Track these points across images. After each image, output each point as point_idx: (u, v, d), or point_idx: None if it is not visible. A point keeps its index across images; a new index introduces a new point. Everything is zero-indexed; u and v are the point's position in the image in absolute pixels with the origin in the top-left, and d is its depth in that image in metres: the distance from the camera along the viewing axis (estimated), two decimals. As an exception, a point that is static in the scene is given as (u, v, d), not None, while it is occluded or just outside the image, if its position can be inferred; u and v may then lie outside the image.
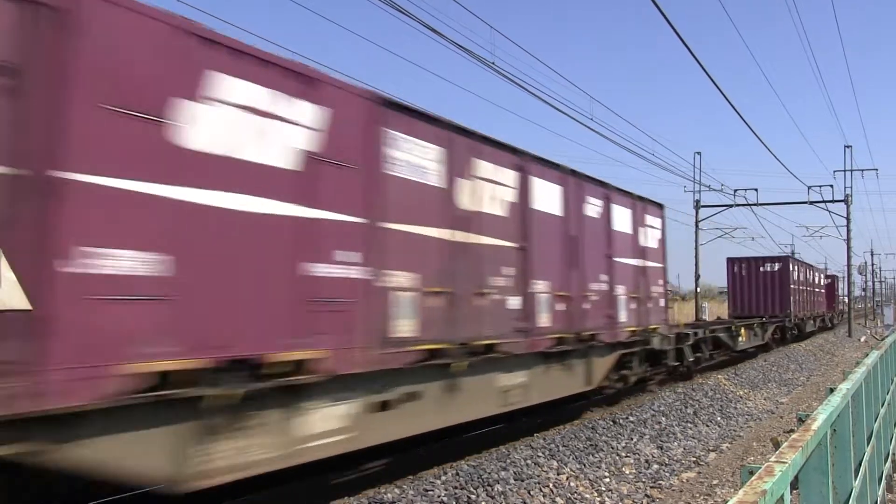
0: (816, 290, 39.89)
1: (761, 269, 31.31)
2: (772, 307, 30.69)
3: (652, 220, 15.06)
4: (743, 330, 23.81)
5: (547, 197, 10.76)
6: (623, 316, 13.02)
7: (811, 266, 39.64)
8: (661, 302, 15.31)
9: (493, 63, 14.31)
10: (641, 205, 14.49)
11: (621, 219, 13.36)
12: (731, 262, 32.04)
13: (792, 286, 31.64)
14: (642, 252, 14.25)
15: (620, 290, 12.97)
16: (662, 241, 15.56)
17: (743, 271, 31.53)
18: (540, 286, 10.26)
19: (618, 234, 13.06)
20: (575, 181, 11.65)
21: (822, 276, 45.21)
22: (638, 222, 14.18)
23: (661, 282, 15.35)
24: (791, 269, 31.94)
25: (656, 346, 14.79)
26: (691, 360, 17.83)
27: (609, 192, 12.91)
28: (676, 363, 17.04)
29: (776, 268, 31.36)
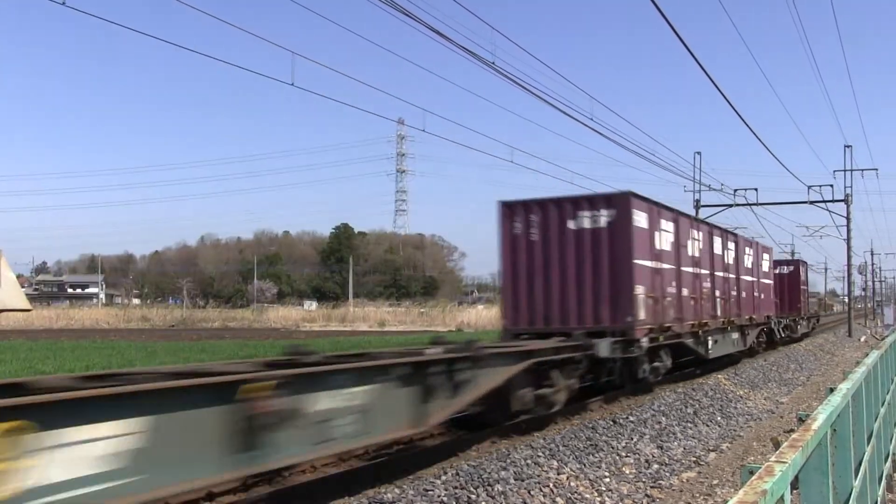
0: (750, 279, 23.03)
1: (570, 224, 13.85)
2: (592, 312, 13.72)
3: None
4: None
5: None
6: None
7: (730, 232, 22.10)
8: None
9: (493, 63, 14.33)
10: None
11: None
12: (506, 209, 14.37)
13: (639, 261, 13.91)
14: None
15: None
16: None
17: (532, 231, 14.09)
18: None
19: None
20: None
21: (767, 255, 26.97)
22: None
23: None
24: (642, 223, 14.19)
25: None
26: None
27: None
28: None
29: (602, 221, 13.73)
